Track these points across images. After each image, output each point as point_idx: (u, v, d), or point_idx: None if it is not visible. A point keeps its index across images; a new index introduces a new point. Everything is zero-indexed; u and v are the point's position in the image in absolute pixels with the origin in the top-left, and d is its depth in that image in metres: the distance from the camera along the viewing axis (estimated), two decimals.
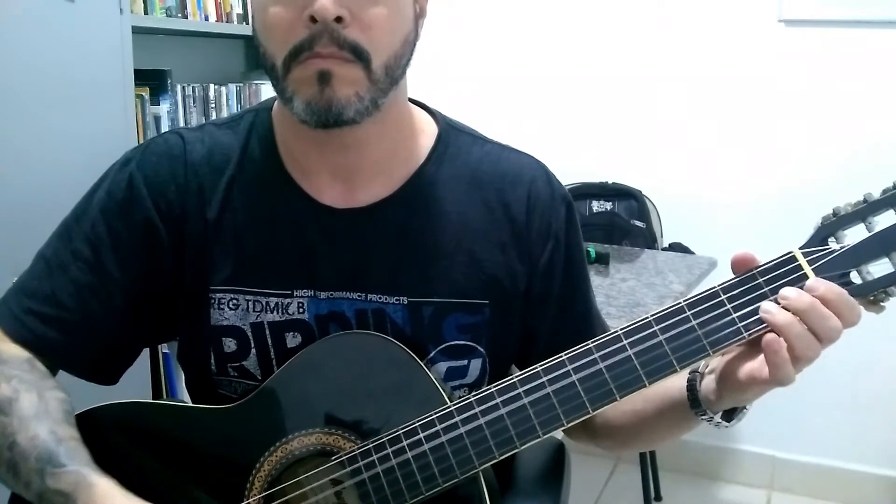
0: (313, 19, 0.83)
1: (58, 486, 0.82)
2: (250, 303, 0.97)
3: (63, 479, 0.83)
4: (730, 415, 0.89)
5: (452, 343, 0.98)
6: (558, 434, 1.12)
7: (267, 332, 0.97)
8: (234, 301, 0.97)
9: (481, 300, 0.98)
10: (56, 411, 0.89)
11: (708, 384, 0.87)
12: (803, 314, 0.78)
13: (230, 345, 0.98)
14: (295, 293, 0.97)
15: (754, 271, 0.83)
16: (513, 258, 0.99)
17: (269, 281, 0.97)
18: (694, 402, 0.88)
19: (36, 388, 0.90)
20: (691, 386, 0.88)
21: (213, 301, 0.98)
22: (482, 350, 0.99)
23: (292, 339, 0.98)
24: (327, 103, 0.85)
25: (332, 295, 0.97)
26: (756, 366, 0.81)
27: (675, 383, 0.90)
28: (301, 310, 0.97)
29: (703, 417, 0.88)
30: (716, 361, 0.87)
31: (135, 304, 0.98)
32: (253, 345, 0.98)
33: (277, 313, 0.97)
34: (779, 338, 0.78)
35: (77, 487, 0.82)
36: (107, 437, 0.88)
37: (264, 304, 0.97)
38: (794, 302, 0.79)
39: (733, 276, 0.84)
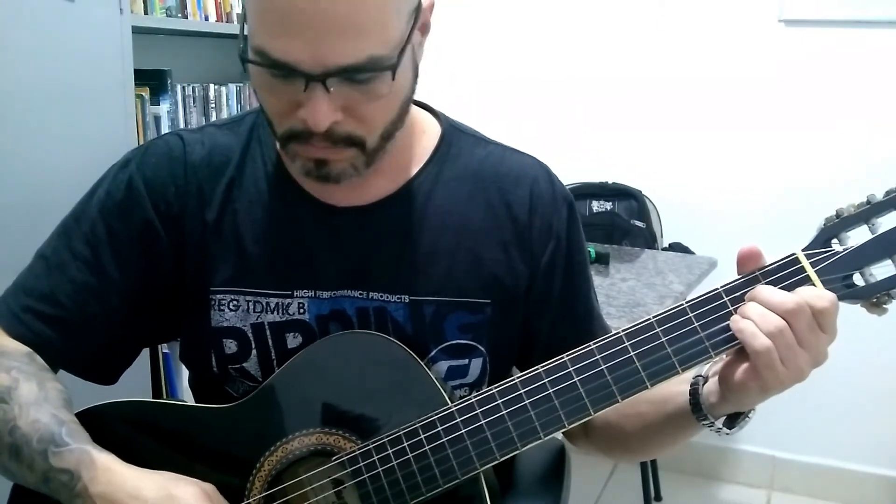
0: (303, 120, 0.83)
1: (61, 465, 0.84)
2: (251, 303, 0.97)
3: (66, 458, 0.84)
4: (732, 421, 0.88)
5: (453, 342, 0.98)
6: (559, 435, 1.12)
7: (267, 332, 0.97)
8: (235, 302, 0.97)
9: (483, 299, 0.98)
10: (56, 399, 0.90)
11: (710, 387, 0.87)
12: (746, 313, 0.80)
13: (231, 346, 0.98)
14: (295, 293, 0.97)
15: (757, 273, 0.83)
16: (514, 258, 0.99)
17: (270, 281, 0.97)
18: (695, 405, 0.87)
19: (36, 377, 0.91)
20: (693, 390, 0.88)
21: (213, 302, 0.97)
22: (483, 349, 0.99)
23: (293, 340, 0.97)
24: (325, 176, 0.89)
25: (333, 294, 0.97)
26: (750, 366, 0.81)
27: (679, 387, 0.89)
28: (301, 310, 0.97)
29: (703, 423, 0.87)
30: (719, 364, 0.87)
31: (133, 305, 0.98)
32: (254, 346, 0.98)
33: (278, 314, 0.97)
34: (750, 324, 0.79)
35: (80, 464, 0.83)
36: (107, 436, 0.88)
37: (265, 304, 0.97)
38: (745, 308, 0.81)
39: (736, 277, 0.84)
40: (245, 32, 0.82)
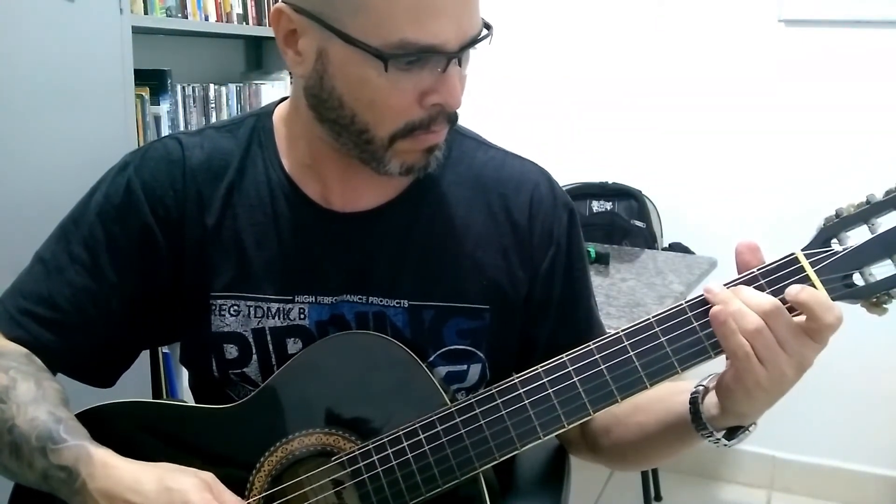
0: (435, 105, 0.85)
1: (60, 462, 0.84)
2: (251, 308, 0.97)
3: (64, 454, 0.84)
4: (732, 433, 0.86)
5: (452, 347, 0.97)
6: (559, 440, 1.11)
7: (268, 337, 0.97)
8: (235, 307, 0.97)
9: (482, 305, 0.98)
10: (53, 397, 0.90)
11: (711, 399, 0.86)
12: (726, 306, 0.79)
13: (231, 351, 0.98)
14: (296, 298, 0.97)
15: (756, 273, 0.82)
16: (514, 263, 0.99)
17: (271, 286, 0.97)
18: (695, 414, 0.86)
19: (34, 377, 0.91)
20: (693, 399, 0.87)
21: (213, 307, 0.97)
22: (481, 355, 0.99)
23: (293, 345, 0.97)
24: (427, 165, 0.91)
25: (334, 299, 0.97)
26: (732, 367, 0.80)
27: (680, 397, 0.89)
28: (302, 315, 0.97)
29: (702, 433, 0.86)
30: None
31: (132, 309, 0.98)
32: (254, 350, 0.98)
33: (279, 319, 0.97)
34: (726, 316, 0.78)
35: (78, 460, 0.83)
36: (107, 436, 0.88)
37: (265, 309, 0.97)
38: (717, 296, 0.80)
39: (736, 277, 0.83)
40: (357, 41, 0.81)
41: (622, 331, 0.86)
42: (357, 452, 0.90)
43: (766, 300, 0.78)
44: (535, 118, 2.81)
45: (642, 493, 2.45)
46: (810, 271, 0.81)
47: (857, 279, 0.81)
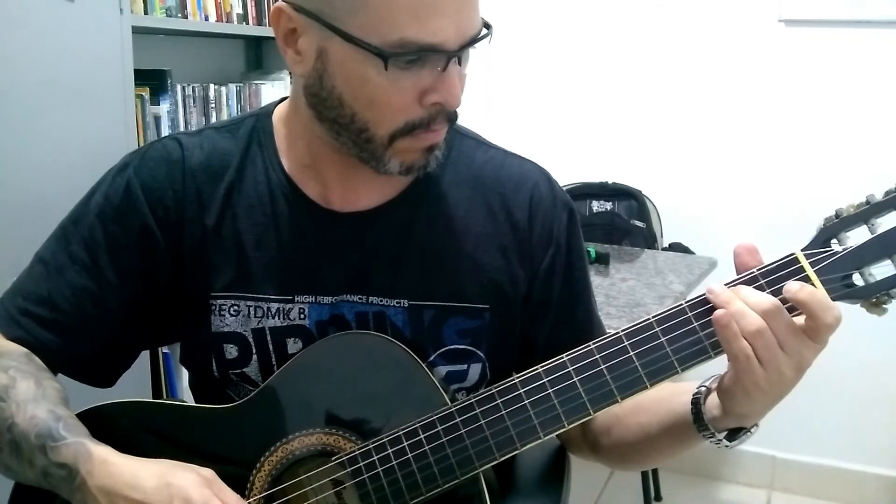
0: (435, 104, 0.85)
1: (59, 459, 0.84)
2: (251, 308, 0.97)
3: (63, 452, 0.84)
4: (734, 435, 0.86)
5: (452, 347, 0.97)
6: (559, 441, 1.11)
7: (268, 337, 0.97)
8: (235, 307, 0.97)
9: (481, 304, 0.98)
10: (53, 396, 0.90)
11: (713, 400, 0.86)
12: (727, 306, 0.79)
13: (231, 351, 0.98)
14: (296, 299, 0.97)
15: (756, 273, 0.82)
16: (514, 263, 0.99)
17: (271, 287, 0.97)
18: (697, 415, 0.86)
19: (34, 376, 0.91)
20: (695, 400, 0.87)
21: (213, 307, 0.98)
22: (482, 355, 0.99)
23: (293, 345, 0.97)
24: (426, 165, 0.91)
25: (334, 299, 0.97)
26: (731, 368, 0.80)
27: (682, 398, 0.89)
28: (302, 315, 0.97)
29: (704, 433, 0.86)
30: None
31: (131, 309, 0.98)
32: (254, 350, 0.98)
33: (279, 319, 0.97)
34: (729, 320, 0.78)
35: (77, 457, 0.84)
36: (107, 436, 0.89)
37: (265, 309, 0.97)
38: (718, 297, 0.80)
39: (735, 277, 0.84)
40: (357, 39, 0.81)
41: (622, 331, 0.86)
42: (357, 452, 0.90)
43: (766, 299, 0.78)
44: (535, 118, 2.81)
45: (642, 493, 2.45)
46: (810, 271, 0.81)
47: (857, 279, 0.81)
